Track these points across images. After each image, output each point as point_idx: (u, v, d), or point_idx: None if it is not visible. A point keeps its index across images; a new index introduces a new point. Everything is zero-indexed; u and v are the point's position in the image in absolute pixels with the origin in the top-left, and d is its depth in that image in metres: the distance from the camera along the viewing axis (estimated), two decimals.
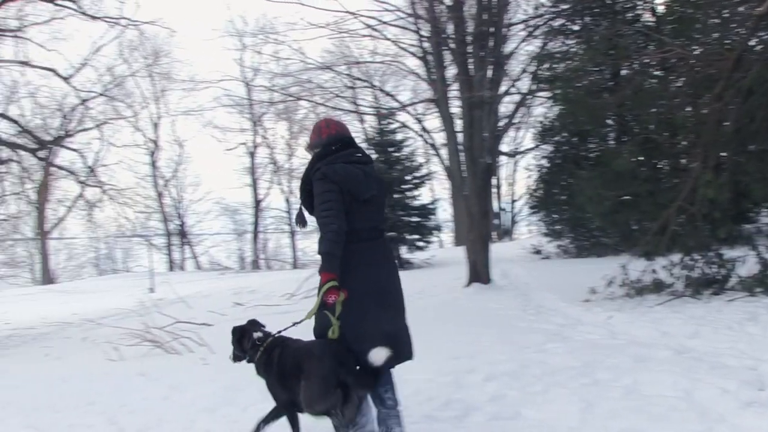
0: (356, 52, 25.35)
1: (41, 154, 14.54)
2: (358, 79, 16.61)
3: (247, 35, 33.87)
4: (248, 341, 4.13)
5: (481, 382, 5.37)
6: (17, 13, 14.15)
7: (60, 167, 15.63)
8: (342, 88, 17.43)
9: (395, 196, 20.81)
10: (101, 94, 15.73)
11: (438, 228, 21.93)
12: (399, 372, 5.83)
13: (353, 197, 3.81)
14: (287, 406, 3.97)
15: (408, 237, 20.47)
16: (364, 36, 14.69)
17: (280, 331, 4.16)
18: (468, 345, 7.00)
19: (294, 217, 4.56)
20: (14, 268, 31.64)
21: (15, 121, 14.61)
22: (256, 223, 38.91)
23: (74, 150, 15.05)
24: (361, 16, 13.24)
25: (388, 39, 14.92)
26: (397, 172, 20.75)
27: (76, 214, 25.72)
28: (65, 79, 14.47)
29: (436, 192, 35.26)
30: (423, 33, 13.57)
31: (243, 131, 38.41)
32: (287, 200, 39.31)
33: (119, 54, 23.95)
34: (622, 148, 10.69)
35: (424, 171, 22.53)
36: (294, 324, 4.07)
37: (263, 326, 4.23)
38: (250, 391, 5.82)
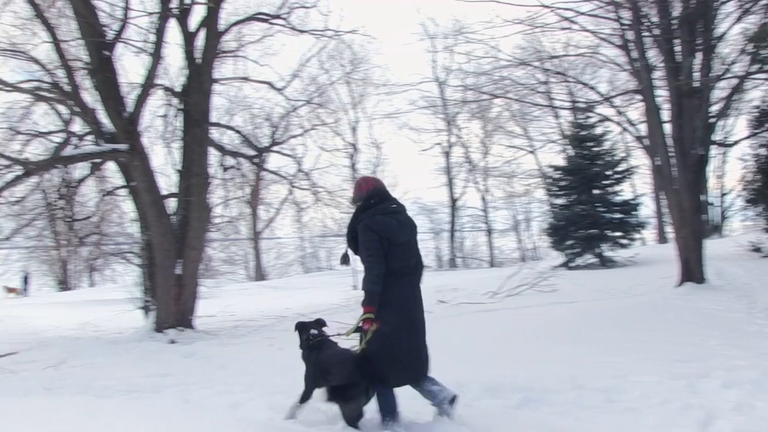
0: (548, 46, 24.77)
1: (257, 160, 15.76)
2: (558, 73, 16.23)
3: (439, 36, 34.26)
4: (304, 335, 5.20)
5: (719, 388, 5.05)
6: (236, 35, 15.52)
7: (273, 172, 16.80)
8: (536, 84, 17.15)
9: (596, 192, 20.17)
10: (308, 102, 16.71)
11: (641, 225, 20.88)
12: (625, 374, 5.71)
13: (390, 242, 4.71)
14: (309, 393, 4.97)
15: (610, 234, 19.73)
16: (563, 29, 14.39)
17: (330, 336, 5.19)
18: (693, 347, 6.63)
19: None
20: (232, 265, 34.44)
21: (238, 132, 15.93)
22: (452, 222, 39.29)
23: (289, 155, 16.13)
24: (557, 8, 12.99)
25: (587, 30, 14.49)
26: (597, 168, 20.09)
27: (284, 216, 27.55)
28: (279, 90, 15.61)
29: (637, 187, 33.66)
30: (624, 21, 13.03)
31: (438, 131, 39.02)
32: (483, 198, 39.37)
33: (320, 63, 25.27)
34: None
35: (625, 166, 21.57)
36: (339, 335, 5.07)
37: (324, 326, 5.27)
38: (474, 385, 5.92)
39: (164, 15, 13.05)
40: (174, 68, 14.70)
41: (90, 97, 13.69)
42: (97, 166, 14.36)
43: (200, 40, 13.89)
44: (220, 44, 14.14)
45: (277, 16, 14.79)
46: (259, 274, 38.84)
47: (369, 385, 4.62)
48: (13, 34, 13.74)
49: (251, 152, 15.61)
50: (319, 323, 5.34)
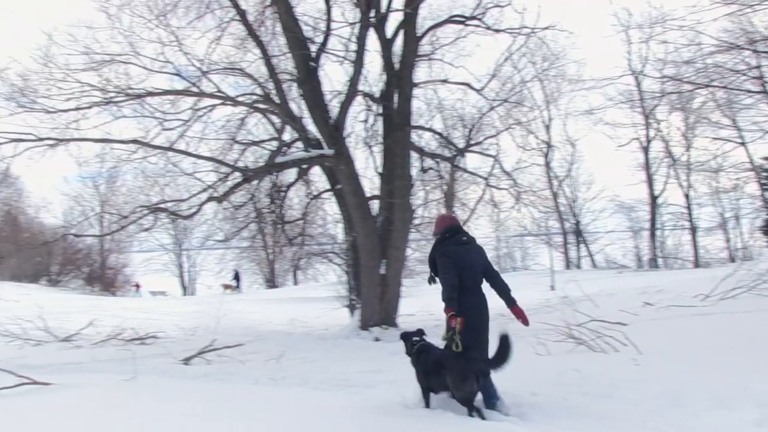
0: (760, 25, 22.62)
1: (455, 161, 15.92)
2: None
3: (634, 26, 32.45)
4: (409, 343, 6.31)
5: None
6: (429, 39, 15.78)
7: (472, 173, 16.85)
8: (746, 69, 15.76)
9: None
10: (505, 101, 16.54)
11: None
12: None
13: (461, 266, 6.01)
14: (426, 389, 5.99)
15: None
16: None
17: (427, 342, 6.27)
18: None
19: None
20: (427, 265, 35.12)
21: (439, 134, 16.21)
22: (652, 220, 37.29)
23: (490, 156, 16.08)
24: None
25: None
26: None
27: (479, 216, 27.55)
28: (478, 91, 15.65)
29: None
30: None
31: (635, 126, 37.18)
32: (686, 195, 36.90)
33: (514, 62, 24.84)
34: None
35: None
36: (444, 339, 5.91)
37: (425, 335, 6.38)
38: (700, 394, 5.58)
39: (364, 24, 13.59)
40: (372, 74, 15.24)
41: (296, 106, 14.66)
42: (305, 171, 15.23)
43: (396, 46, 14.35)
44: (418, 48, 14.48)
45: (473, 17, 14.83)
46: None
47: (478, 375, 5.63)
48: (230, 54, 15.03)
49: (449, 153, 15.80)
50: (420, 332, 6.43)
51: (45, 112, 13.01)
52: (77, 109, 13.15)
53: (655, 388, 5.97)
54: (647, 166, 37.09)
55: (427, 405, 5.94)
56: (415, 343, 6.22)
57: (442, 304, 5.92)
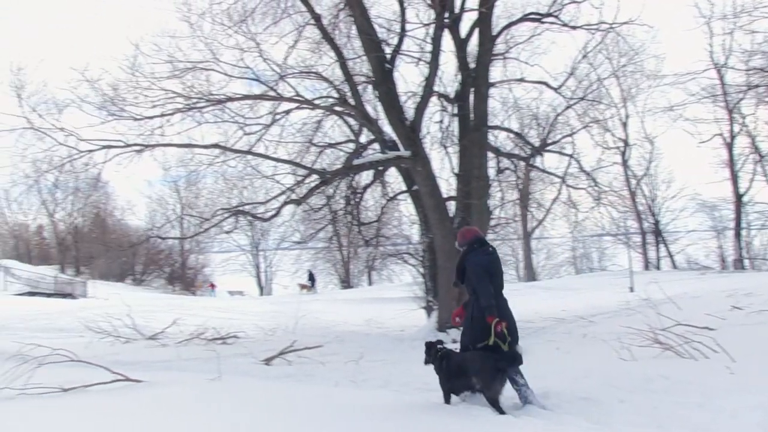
0: None
1: (532, 161, 15.69)
2: None
3: (717, 17, 31.19)
4: (433, 350, 6.69)
5: None
6: (504, 37, 15.58)
7: (550, 173, 16.54)
8: None
9: None
10: (582, 98, 16.06)
11: None
12: None
13: (490, 273, 6.49)
14: (448, 391, 6.39)
15: None
16: None
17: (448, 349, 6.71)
18: None
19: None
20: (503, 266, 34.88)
21: (517, 134, 16.02)
22: (738, 219, 35.73)
23: (567, 155, 15.74)
24: None
25: None
26: None
27: (555, 216, 27.11)
28: (556, 89, 15.33)
29: None
30: None
31: (717, 121, 35.68)
32: None
33: (590, 58, 24.19)
34: None
35: None
36: (484, 345, 6.24)
37: (444, 343, 6.85)
38: None
39: (439, 24, 13.59)
40: (447, 75, 15.20)
41: (372, 108, 14.77)
42: (381, 172, 15.31)
43: (471, 46, 14.29)
44: (493, 48, 14.35)
45: (548, 14, 14.57)
46: (530, 275, 38.63)
47: (503, 374, 5.98)
48: (306, 57, 15.29)
49: (525, 153, 15.60)
50: (440, 342, 6.87)
51: (132, 120, 13.57)
52: (162, 115, 13.64)
53: (754, 399, 5.65)
54: (731, 162, 35.51)
55: (447, 402, 6.40)
56: (439, 350, 6.65)
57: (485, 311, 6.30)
